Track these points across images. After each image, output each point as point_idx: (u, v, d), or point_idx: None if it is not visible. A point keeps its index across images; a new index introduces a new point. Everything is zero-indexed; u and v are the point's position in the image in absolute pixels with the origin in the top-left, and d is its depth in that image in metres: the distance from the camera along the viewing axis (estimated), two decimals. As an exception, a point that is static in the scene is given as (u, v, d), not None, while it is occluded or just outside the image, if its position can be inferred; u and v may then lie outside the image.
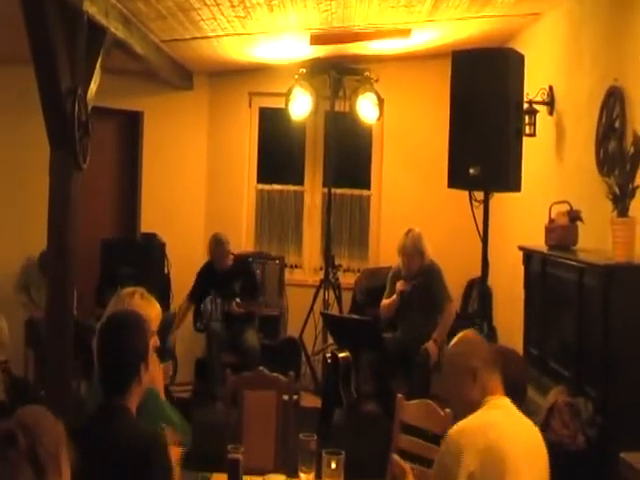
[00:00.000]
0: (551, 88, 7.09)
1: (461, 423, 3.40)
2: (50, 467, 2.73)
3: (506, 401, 3.46)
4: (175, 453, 3.72)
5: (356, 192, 10.28)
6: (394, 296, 7.81)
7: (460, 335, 3.72)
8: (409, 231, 7.72)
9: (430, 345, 7.50)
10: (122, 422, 3.51)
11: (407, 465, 3.76)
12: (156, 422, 3.84)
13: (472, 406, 3.46)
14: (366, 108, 9.17)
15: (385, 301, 7.93)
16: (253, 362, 8.09)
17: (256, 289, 8.89)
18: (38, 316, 7.78)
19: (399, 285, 7.73)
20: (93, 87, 6.20)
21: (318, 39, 8.25)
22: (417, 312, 7.67)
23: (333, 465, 3.95)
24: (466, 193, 6.27)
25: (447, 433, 3.43)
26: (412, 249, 7.64)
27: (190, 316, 9.04)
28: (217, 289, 8.70)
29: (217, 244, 8.77)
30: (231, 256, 8.85)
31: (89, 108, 6.04)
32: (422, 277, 7.68)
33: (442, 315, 7.69)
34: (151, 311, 4.28)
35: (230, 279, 8.74)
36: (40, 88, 5.56)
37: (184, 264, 9.47)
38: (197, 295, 8.84)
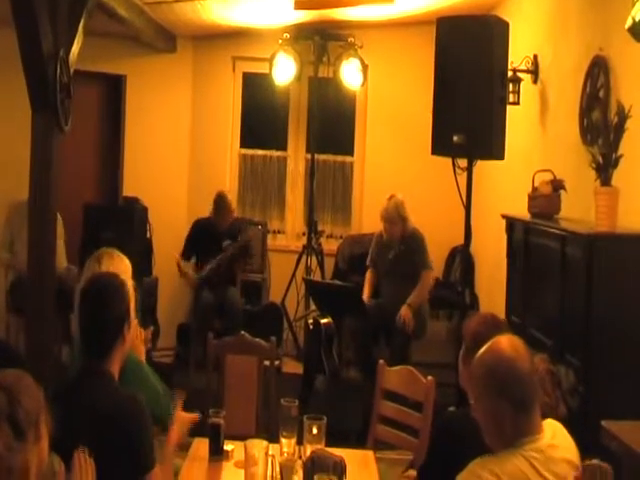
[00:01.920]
0: (535, 57, 7.08)
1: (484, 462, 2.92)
2: (29, 431, 2.73)
3: (542, 444, 2.93)
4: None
5: (339, 158, 10.26)
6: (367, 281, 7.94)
7: (493, 349, 2.99)
8: (391, 197, 7.69)
9: (403, 310, 7.44)
10: (103, 386, 3.52)
11: None
12: (138, 387, 3.85)
13: (501, 446, 2.96)
14: (350, 74, 9.13)
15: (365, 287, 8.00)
16: (237, 322, 8.13)
17: (249, 252, 8.91)
18: (23, 274, 7.68)
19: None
20: (75, 50, 6.15)
21: (302, 4, 8.20)
22: (399, 279, 7.66)
23: (314, 430, 3.97)
24: (449, 161, 6.27)
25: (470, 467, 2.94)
26: (394, 214, 7.61)
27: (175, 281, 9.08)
28: (209, 245, 8.65)
29: (224, 202, 8.69)
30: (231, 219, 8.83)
31: (71, 71, 6.00)
32: (405, 244, 7.67)
33: (419, 282, 7.63)
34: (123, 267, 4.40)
35: (223, 239, 8.70)
36: (22, 50, 5.51)
37: (166, 229, 9.46)
38: (189, 252, 8.80)
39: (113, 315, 3.59)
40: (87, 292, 3.75)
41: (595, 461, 2.70)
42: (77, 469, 3.06)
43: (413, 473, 4.43)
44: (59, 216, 6.70)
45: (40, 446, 2.80)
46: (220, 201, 8.70)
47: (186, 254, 8.77)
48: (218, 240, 8.66)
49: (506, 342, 2.99)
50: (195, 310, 8.67)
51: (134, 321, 3.82)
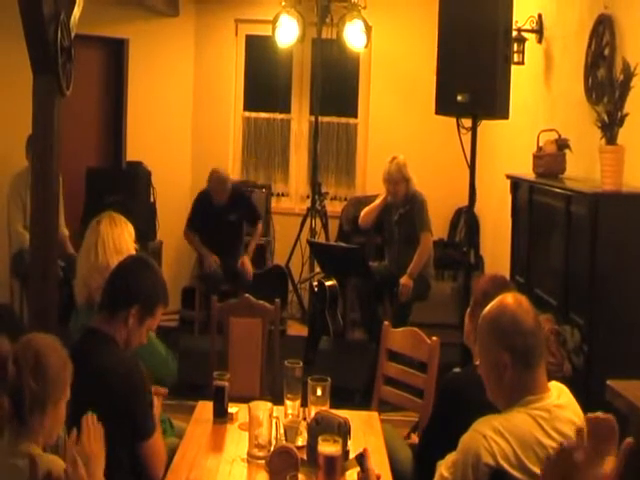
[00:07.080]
0: (540, 16, 7.03)
1: (488, 421, 2.91)
2: (34, 418, 2.65)
3: (548, 404, 2.95)
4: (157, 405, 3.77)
5: (343, 120, 10.23)
6: (377, 201, 7.76)
7: (498, 303, 3.04)
8: (393, 158, 7.64)
9: (404, 280, 7.39)
10: (106, 349, 3.52)
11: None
12: (143, 353, 3.86)
13: (505, 402, 2.99)
14: (353, 35, 9.06)
15: (368, 207, 7.89)
16: (247, 285, 8.14)
17: (257, 218, 8.94)
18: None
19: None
20: (77, 13, 6.09)
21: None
22: (404, 241, 7.64)
23: (319, 392, 3.97)
24: (454, 121, 6.24)
25: (474, 426, 2.93)
26: (397, 176, 7.55)
27: (179, 245, 9.05)
28: (214, 221, 8.61)
29: (219, 182, 8.61)
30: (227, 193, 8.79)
31: (72, 35, 5.96)
32: (409, 205, 7.61)
33: (419, 246, 7.55)
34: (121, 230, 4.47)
35: (227, 212, 8.66)
36: (22, 13, 5.47)
37: (170, 193, 9.45)
38: (196, 225, 8.75)
39: (131, 290, 3.62)
40: (132, 257, 3.85)
41: (599, 413, 2.66)
42: (85, 433, 3.06)
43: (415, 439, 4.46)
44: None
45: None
46: (213, 182, 8.69)
47: (193, 226, 8.76)
48: (221, 212, 8.64)
49: (511, 298, 3.03)
50: (202, 275, 8.66)
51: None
